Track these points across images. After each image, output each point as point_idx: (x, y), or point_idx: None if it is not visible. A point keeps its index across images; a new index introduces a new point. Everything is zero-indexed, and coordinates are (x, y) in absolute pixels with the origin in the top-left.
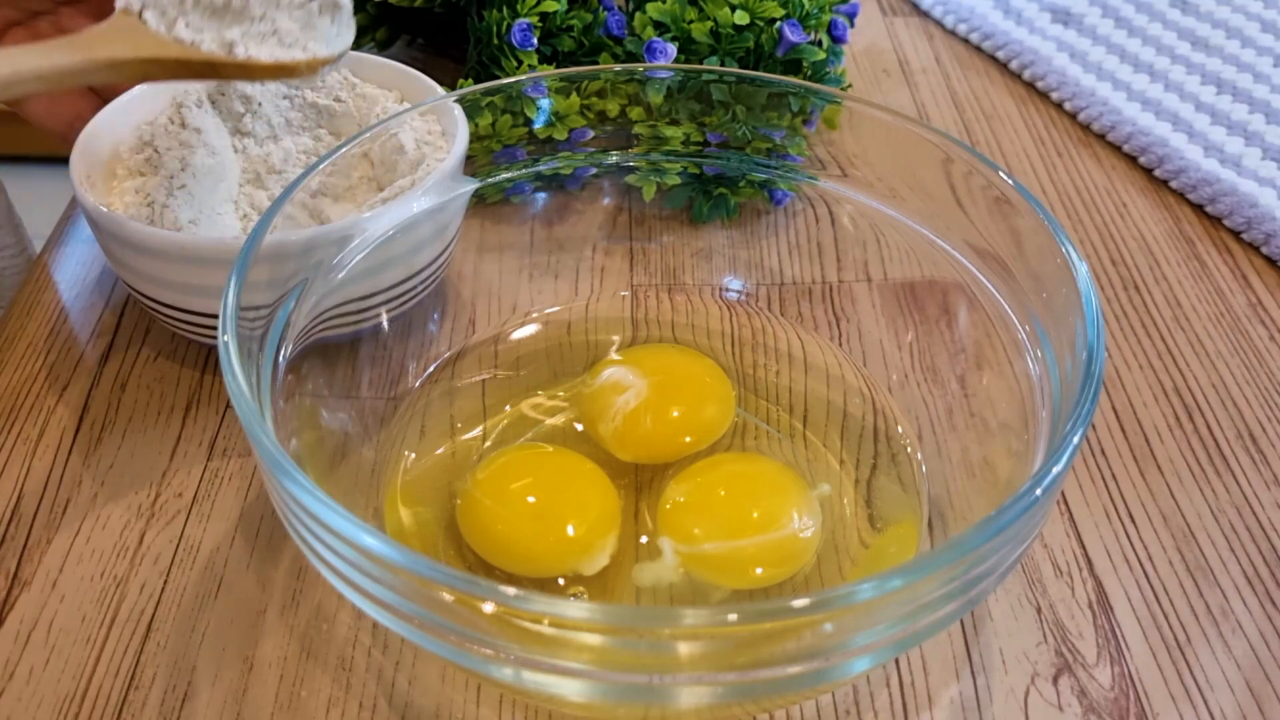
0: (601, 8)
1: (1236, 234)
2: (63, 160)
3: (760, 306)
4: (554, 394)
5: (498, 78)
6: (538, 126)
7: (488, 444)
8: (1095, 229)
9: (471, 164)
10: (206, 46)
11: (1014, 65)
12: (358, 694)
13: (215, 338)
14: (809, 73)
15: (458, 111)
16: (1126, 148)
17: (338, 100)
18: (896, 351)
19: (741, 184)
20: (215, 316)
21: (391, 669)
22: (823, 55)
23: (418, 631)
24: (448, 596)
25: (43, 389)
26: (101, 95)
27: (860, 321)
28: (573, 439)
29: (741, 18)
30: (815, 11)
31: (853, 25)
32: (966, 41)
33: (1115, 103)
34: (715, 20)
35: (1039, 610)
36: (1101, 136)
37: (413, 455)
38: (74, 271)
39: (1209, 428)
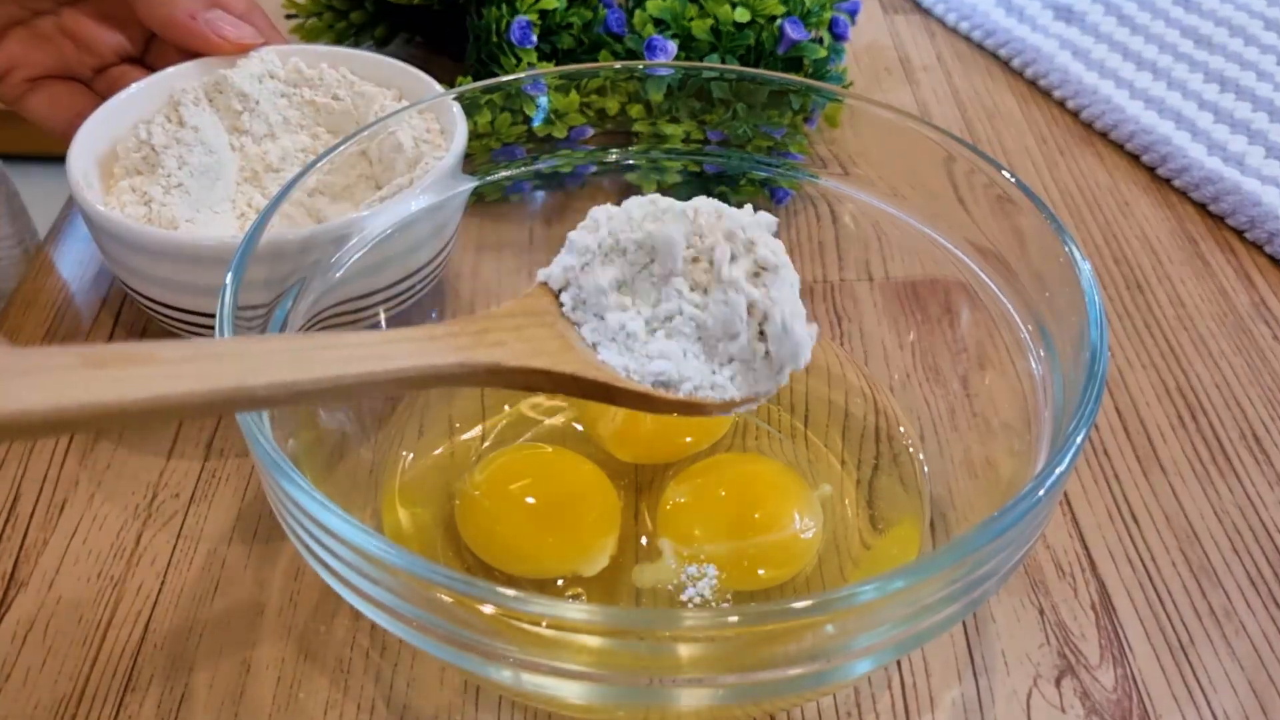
0: (601, 5)
1: (1240, 233)
2: (63, 158)
3: None
4: (553, 394)
5: (497, 75)
6: (537, 124)
7: (486, 444)
8: (1098, 228)
9: (470, 162)
10: (639, 377)
11: (1016, 63)
12: (355, 696)
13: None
14: (810, 70)
15: (456, 109)
16: (1129, 146)
17: (335, 98)
18: (898, 351)
19: (742, 182)
20: (212, 316)
21: (390, 671)
22: (824, 53)
23: (416, 633)
24: (446, 598)
25: None
26: (100, 93)
27: (862, 321)
28: (572, 439)
29: (742, 15)
30: (816, 9)
31: (854, 23)
32: (968, 39)
33: (1118, 101)
34: (716, 17)
35: (1041, 611)
36: (1104, 135)
37: (411, 456)
38: (71, 270)
39: (1212, 428)
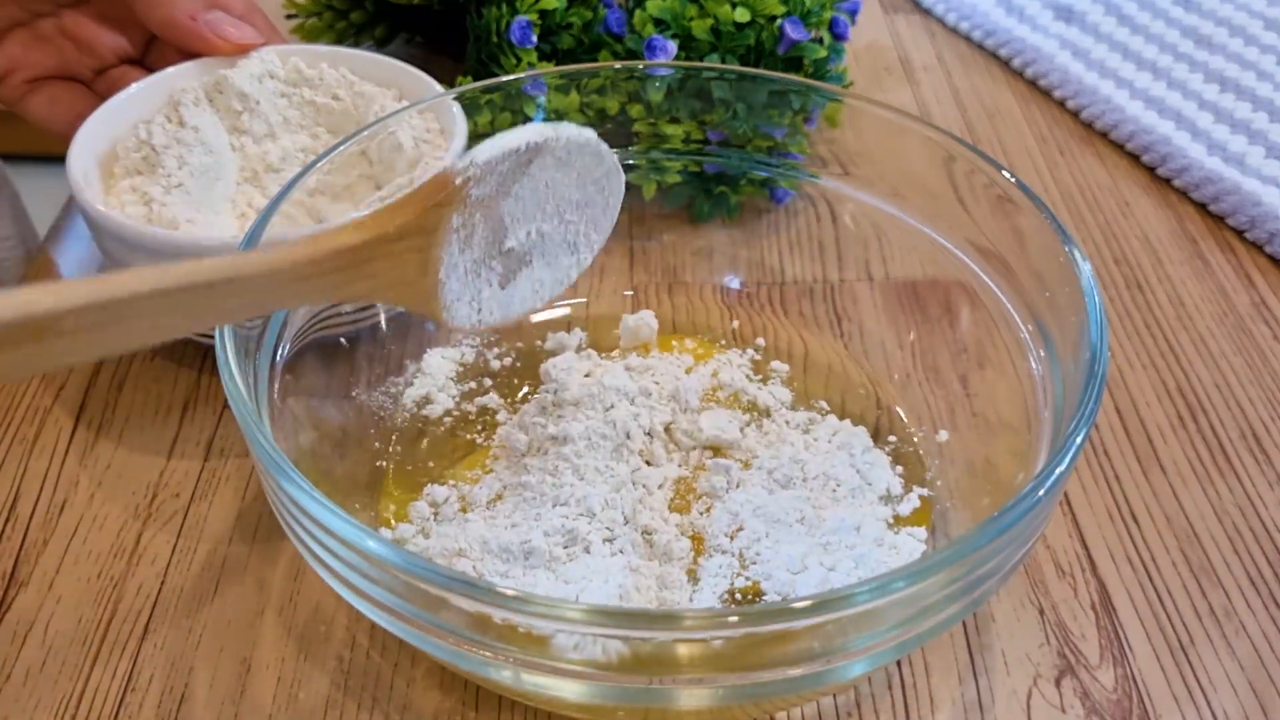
0: (601, 5)
1: (1240, 233)
2: (63, 158)
3: (761, 305)
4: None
5: (497, 75)
6: None
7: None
8: (1098, 228)
9: None
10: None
11: (1016, 63)
12: (355, 695)
13: (212, 338)
14: (810, 70)
15: (456, 109)
16: (1129, 146)
17: (336, 98)
18: (898, 351)
19: (742, 182)
20: None
21: (390, 670)
22: (824, 53)
23: (416, 633)
24: (446, 598)
25: (39, 389)
26: (101, 94)
27: (862, 321)
28: None
29: (742, 15)
30: (816, 9)
31: (854, 22)
32: (968, 39)
33: (1118, 101)
34: (716, 17)
35: (1041, 611)
36: (1104, 135)
37: (411, 455)
38: (71, 270)
39: (1212, 428)
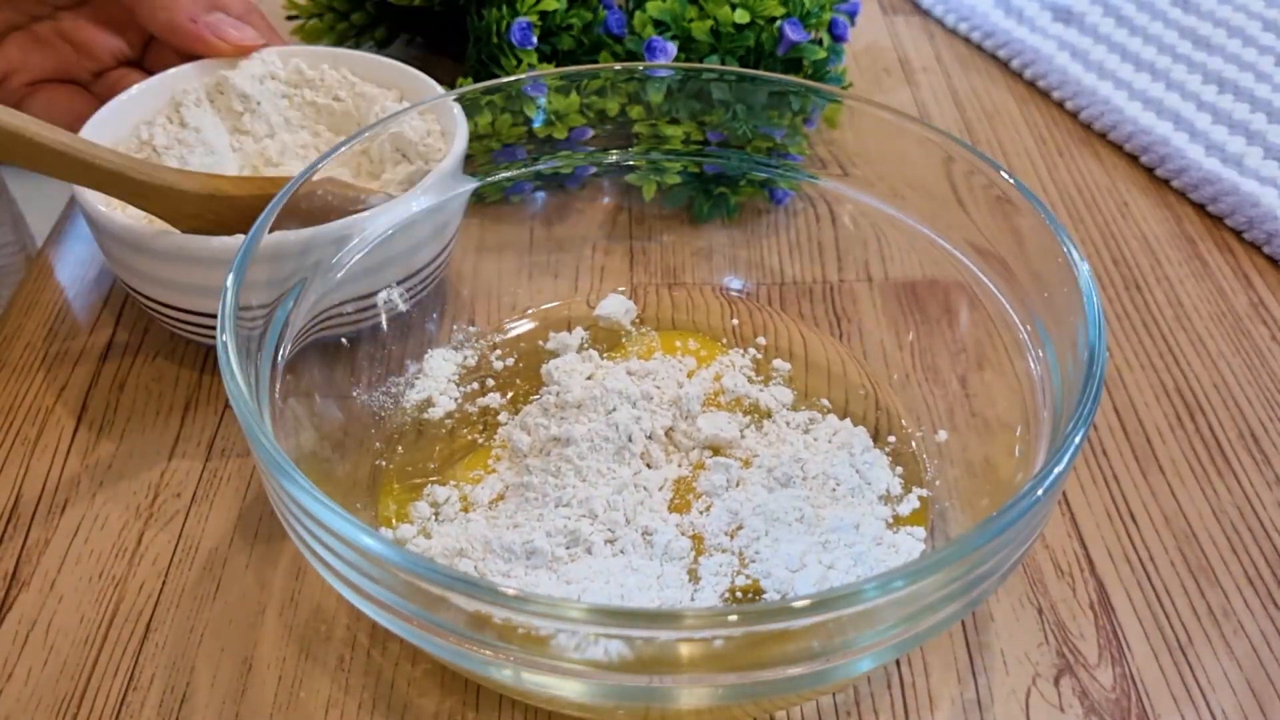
0: (601, 6)
1: (1238, 233)
2: None
3: (761, 305)
4: None
5: (497, 76)
6: (537, 125)
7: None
8: (1096, 228)
9: (471, 163)
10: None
11: (1015, 64)
12: (356, 695)
13: (214, 337)
14: (809, 71)
15: (457, 110)
16: (1128, 147)
17: (337, 99)
18: (898, 351)
19: (742, 183)
20: (214, 316)
21: (390, 670)
22: (823, 54)
23: (417, 632)
24: (447, 597)
25: (41, 389)
26: (99, 96)
27: (861, 321)
28: None
29: (742, 16)
30: (816, 10)
31: (853, 24)
32: (967, 40)
33: (1116, 102)
34: (715, 19)
35: (1040, 611)
36: (1103, 136)
37: (412, 455)
38: (72, 271)
39: (1210, 428)
